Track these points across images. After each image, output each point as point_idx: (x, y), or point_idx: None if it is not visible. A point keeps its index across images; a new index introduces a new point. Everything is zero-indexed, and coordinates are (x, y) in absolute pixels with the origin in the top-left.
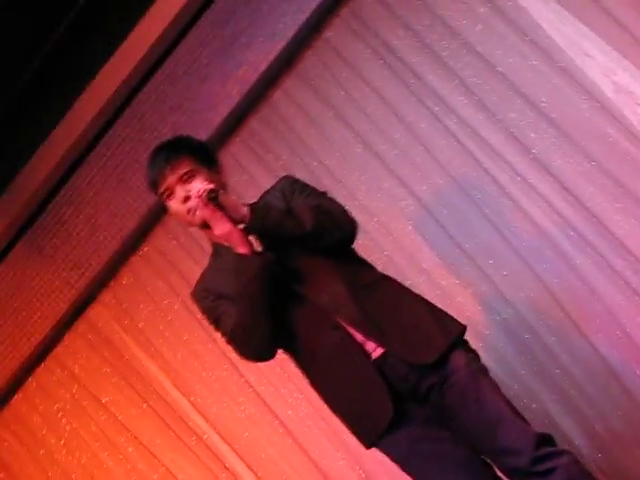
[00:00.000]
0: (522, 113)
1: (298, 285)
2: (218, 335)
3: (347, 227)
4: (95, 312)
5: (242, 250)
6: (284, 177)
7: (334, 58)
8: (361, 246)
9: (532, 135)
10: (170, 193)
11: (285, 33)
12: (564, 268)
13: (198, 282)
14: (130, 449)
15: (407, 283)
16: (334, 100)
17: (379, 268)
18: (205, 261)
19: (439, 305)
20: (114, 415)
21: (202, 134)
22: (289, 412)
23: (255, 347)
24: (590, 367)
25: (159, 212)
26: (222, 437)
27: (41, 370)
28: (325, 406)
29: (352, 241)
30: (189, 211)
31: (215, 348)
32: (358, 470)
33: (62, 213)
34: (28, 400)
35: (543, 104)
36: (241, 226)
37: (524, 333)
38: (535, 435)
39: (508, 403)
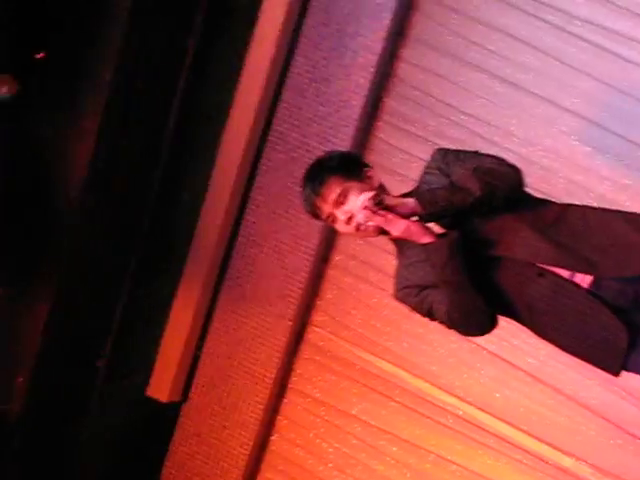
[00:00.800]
0: None
1: (490, 250)
2: None
3: (512, 176)
4: (313, 334)
5: (426, 240)
6: (435, 151)
7: (440, 10)
8: (535, 178)
9: None
10: (332, 219)
11: (387, 5)
12: None
13: (396, 283)
14: (394, 449)
15: (592, 196)
16: (455, 50)
17: (560, 192)
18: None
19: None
20: (367, 422)
21: (345, 133)
22: (529, 360)
23: (476, 323)
24: None
25: None
26: (476, 406)
27: (286, 405)
28: None
29: (522, 187)
30: (358, 228)
31: (436, 326)
32: (617, 390)
33: (247, 253)
34: (284, 437)
35: None
36: (415, 218)
37: None
38: None
39: None
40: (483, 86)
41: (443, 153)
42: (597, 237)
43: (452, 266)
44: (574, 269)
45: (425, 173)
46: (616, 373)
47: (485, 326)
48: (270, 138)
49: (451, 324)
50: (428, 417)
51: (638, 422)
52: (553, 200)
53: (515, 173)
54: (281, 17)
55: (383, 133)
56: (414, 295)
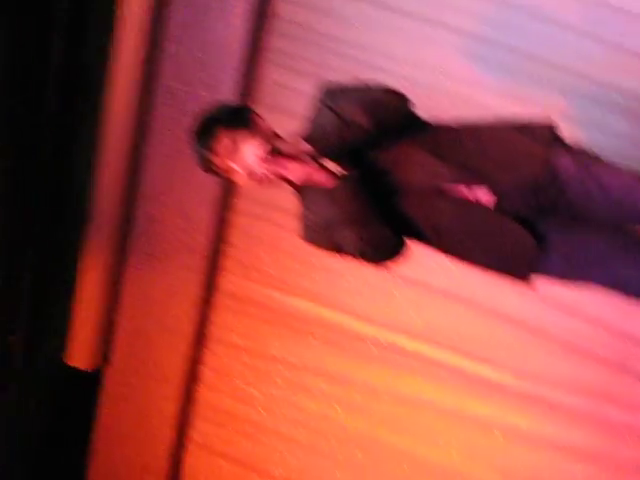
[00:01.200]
0: None
1: (391, 180)
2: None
3: (400, 105)
4: (225, 281)
5: (327, 184)
6: (320, 89)
7: None
8: (424, 98)
9: None
10: (230, 172)
11: None
12: None
13: (301, 225)
14: (321, 384)
15: (481, 110)
16: None
17: (449, 108)
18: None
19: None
20: (290, 362)
21: (230, 77)
22: (442, 278)
23: (386, 253)
24: None
25: None
26: (396, 331)
27: (207, 355)
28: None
29: (411, 114)
30: (258, 179)
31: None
32: (532, 296)
33: (149, 211)
34: (210, 387)
35: None
36: (311, 160)
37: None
38: None
39: (629, 171)
40: (362, 14)
41: (329, 90)
42: (493, 151)
43: (356, 204)
44: (472, 184)
45: (315, 113)
46: (526, 279)
47: (395, 254)
48: (157, 94)
49: (362, 257)
50: (350, 349)
51: (554, 325)
52: (446, 122)
53: (402, 101)
54: None
55: (269, 73)
56: (321, 234)
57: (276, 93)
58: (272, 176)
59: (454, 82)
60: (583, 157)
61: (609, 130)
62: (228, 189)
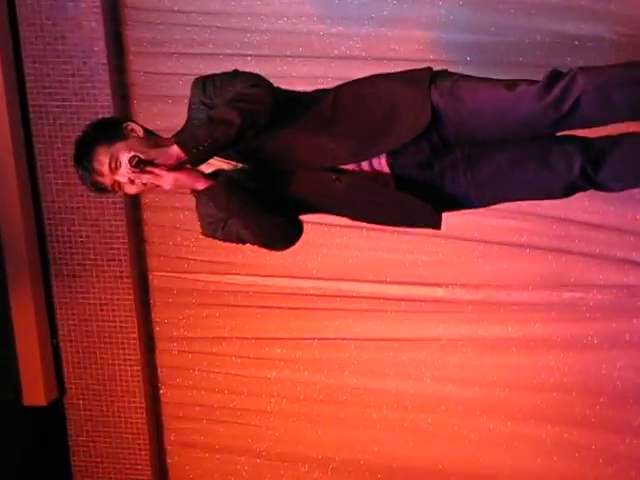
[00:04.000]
0: None
1: (282, 165)
2: None
3: (267, 97)
4: (157, 279)
5: (199, 186)
6: (192, 84)
7: None
8: (296, 45)
9: None
10: (118, 186)
11: None
12: None
13: (200, 221)
14: (278, 350)
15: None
16: None
17: (319, 50)
18: None
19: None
20: (243, 337)
21: (100, 81)
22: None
23: (281, 239)
24: None
25: None
26: (337, 279)
27: (160, 356)
28: None
29: (278, 101)
30: (142, 188)
31: None
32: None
33: (61, 232)
34: (172, 386)
35: None
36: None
37: None
38: (541, 87)
39: (501, 84)
40: None
41: (201, 85)
42: (376, 113)
43: (235, 202)
44: (370, 157)
45: (191, 110)
46: (438, 228)
47: (291, 239)
48: (32, 114)
49: (262, 246)
50: (296, 308)
51: (493, 230)
52: (322, 88)
53: (270, 93)
54: None
55: (137, 64)
56: (220, 228)
57: (151, 82)
58: (147, 186)
59: (322, 25)
60: (450, 84)
61: None
62: None
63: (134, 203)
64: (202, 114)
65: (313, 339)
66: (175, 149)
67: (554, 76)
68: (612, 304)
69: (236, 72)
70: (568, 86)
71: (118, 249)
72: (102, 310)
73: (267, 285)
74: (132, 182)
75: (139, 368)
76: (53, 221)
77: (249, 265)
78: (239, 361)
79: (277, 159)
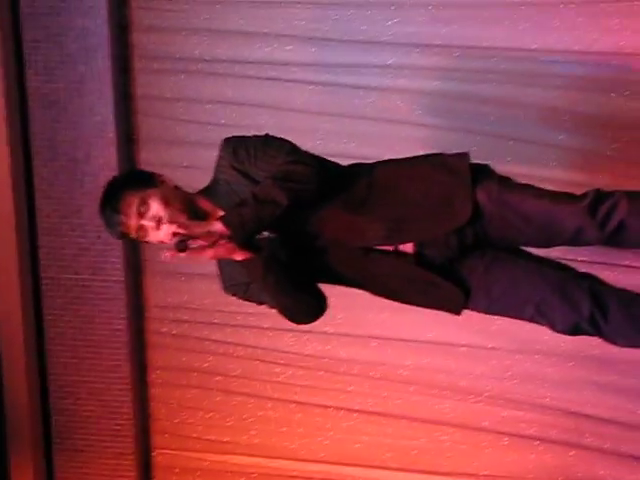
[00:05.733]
0: None
1: (315, 241)
2: None
3: (315, 177)
4: (161, 457)
5: (238, 258)
6: (222, 145)
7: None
8: None
9: None
10: (143, 232)
11: None
12: None
13: (222, 279)
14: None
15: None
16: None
17: None
18: None
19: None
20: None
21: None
22: (369, 401)
23: (304, 315)
24: None
25: None
26: (342, 463)
27: None
28: None
29: (324, 181)
30: (168, 238)
31: (277, 406)
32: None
33: (64, 406)
34: None
35: None
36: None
37: None
38: (586, 206)
39: (545, 195)
40: None
41: (231, 149)
42: (411, 200)
43: (271, 279)
44: (397, 244)
45: (218, 171)
46: (458, 313)
47: (315, 315)
48: (44, 286)
49: (285, 317)
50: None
51: (503, 420)
52: (359, 163)
53: (312, 167)
54: None
55: (144, 124)
56: (242, 291)
57: (160, 131)
58: (173, 235)
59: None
60: (497, 187)
61: None
62: (140, 361)
63: (141, 377)
64: (233, 179)
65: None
66: (220, 226)
67: (598, 197)
68: None
69: (268, 138)
70: (612, 208)
71: (122, 425)
72: None
73: (271, 467)
74: (159, 224)
75: None
76: (58, 394)
77: (255, 445)
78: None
79: (308, 233)
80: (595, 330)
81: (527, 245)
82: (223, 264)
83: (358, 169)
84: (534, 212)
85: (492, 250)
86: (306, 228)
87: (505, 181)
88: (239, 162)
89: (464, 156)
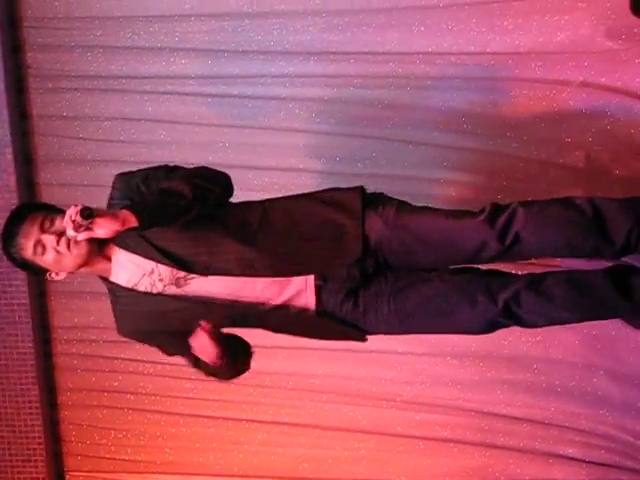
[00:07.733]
0: None
1: (203, 270)
2: None
3: (223, 179)
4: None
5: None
6: (115, 180)
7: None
8: None
9: None
10: (42, 248)
11: None
12: None
13: (117, 323)
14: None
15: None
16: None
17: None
18: None
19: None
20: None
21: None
22: (283, 411)
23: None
24: None
25: None
26: (258, 476)
27: None
28: None
29: (231, 189)
30: (68, 246)
31: (189, 422)
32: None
33: None
34: None
35: None
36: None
37: None
38: (484, 220)
39: (442, 214)
40: None
41: (125, 180)
42: (304, 235)
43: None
44: (281, 276)
45: (111, 206)
46: (363, 339)
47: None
48: None
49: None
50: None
51: (416, 424)
52: (252, 200)
53: (224, 176)
54: None
55: (42, 144)
56: (141, 338)
57: (58, 148)
58: (84, 239)
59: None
60: (393, 213)
61: None
62: (49, 386)
63: (50, 403)
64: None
65: None
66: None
67: (494, 209)
68: None
69: (160, 166)
70: (509, 220)
71: (34, 449)
72: None
73: None
74: (59, 241)
75: None
76: None
77: (169, 463)
78: None
79: (196, 260)
80: (512, 319)
81: (429, 266)
82: (117, 307)
83: (253, 203)
84: (433, 231)
85: (397, 273)
86: (193, 252)
87: (402, 205)
88: (133, 188)
89: (357, 190)
